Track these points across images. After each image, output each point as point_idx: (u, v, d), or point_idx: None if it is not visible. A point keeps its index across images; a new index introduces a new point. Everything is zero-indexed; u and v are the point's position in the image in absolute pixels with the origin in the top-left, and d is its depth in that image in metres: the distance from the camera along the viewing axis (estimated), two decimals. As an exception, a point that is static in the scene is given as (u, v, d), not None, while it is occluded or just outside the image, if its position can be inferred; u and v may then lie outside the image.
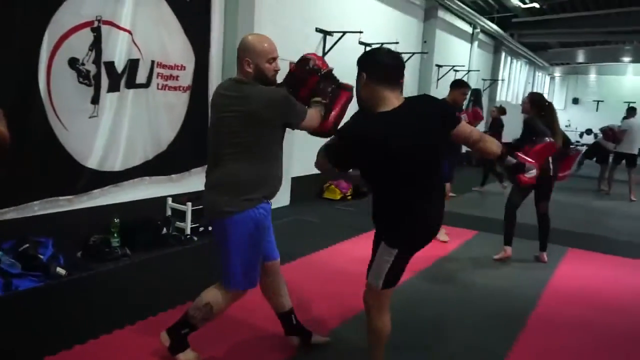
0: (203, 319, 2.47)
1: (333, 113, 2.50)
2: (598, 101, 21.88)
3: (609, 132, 9.33)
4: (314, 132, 2.53)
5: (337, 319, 3.20)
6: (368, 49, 7.97)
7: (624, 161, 9.06)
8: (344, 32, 7.00)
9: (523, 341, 3.06)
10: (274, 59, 2.34)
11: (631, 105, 9.87)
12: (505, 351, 2.91)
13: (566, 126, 21.53)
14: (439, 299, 3.70)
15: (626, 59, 20.08)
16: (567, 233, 5.96)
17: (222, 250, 2.40)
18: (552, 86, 23.68)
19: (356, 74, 2.11)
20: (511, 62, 16.84)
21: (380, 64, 2.03)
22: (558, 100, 21.92)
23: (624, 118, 9.25)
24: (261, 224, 2.36)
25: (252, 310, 3.06)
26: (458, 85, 5.12)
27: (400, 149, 2.01)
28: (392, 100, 2.03)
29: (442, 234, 5.21)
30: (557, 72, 23.64)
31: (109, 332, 2.81)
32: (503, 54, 15.28)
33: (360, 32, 7.19)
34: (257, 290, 2.59)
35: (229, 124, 2.31)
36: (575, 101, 22.70)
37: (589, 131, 21.30)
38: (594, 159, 9.89)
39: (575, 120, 21.39)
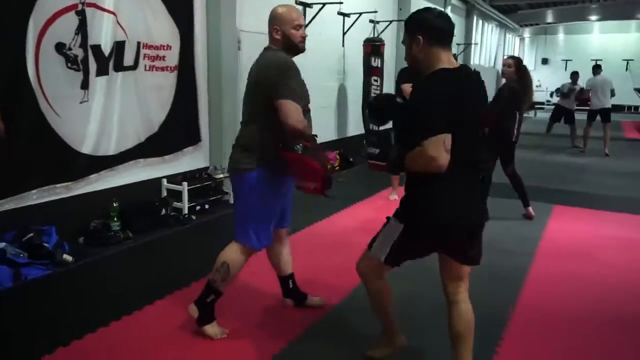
0: (223, 279, 2.59)
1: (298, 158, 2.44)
2: (567, 60, 22.26)
3: (569, 93, 9.71)
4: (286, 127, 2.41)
5: (347, 287, 3.32)
6: (347, 19, 7.97)
7: (598, 117, 9.40)
8: (324, 4, 6.96)
9: (524, 299, 3.23)
10: (300, 25, 2.51)
11: (597, 62, 10.19)
12: (509, 310, 3.07)
13: (537, 86, 21.93)
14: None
15: (593, 17, 20.40)
16: (550, 191, 6.21)
17: (236, 205, 2.61)
18: (522, 47, 23.97)
19: (405, 37, 2.02)
20: (483, 26, 16.95)
21: (437, 26, 1.95)
22: (528, 61, 22.18)
23: (594, 75, 9.59)
24: (275, 185, 2.52)
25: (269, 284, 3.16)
26: None
27: (470, 109, 1.94)
28: (451, 61, 1.98)
29: (394, 194, 5.58)
30: (527, 33, 23.89)
31: (129, 314, 2.89)
32: (475, 18, 15.37)
33: (341, 2, 7.16)
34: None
35: (249, 88, 2.53)
36: (545, 61, 23.07)
37: (558, 90, 21.77)
38: (562, 120, 10.20)
39: (545, 80, 21.79)
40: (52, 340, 2.59)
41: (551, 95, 21.37)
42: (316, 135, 2.55)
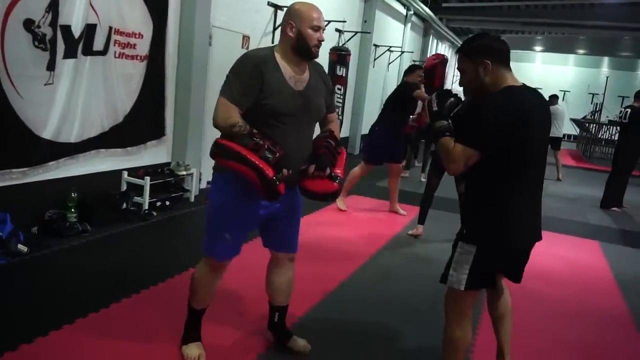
0: (191, 295, 2.40)
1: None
2: (510, 86, 23.48)
3: None
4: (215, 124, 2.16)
5: (313, 300, 3.32)
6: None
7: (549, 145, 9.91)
8: (296, 8, 6.96)
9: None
10: (319, 27, 2.18)
11: (553, 93, 10.82)
12: (477, 318, 3.19)
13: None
14: (403, 275, 3.95)
15: (537, 48, 21.64)
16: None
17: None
18: (470, 70, 24.97)
19: (466, 64, 2.04)
20: (437, 45, 17.53)
21: (500, 49, 2.03)
22: (475, 83, 23.21)
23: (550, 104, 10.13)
24: (245, 192, 2.14)
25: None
26: (413, 69, 5.58)
27: (538, 127, 1.99)
28: (516, 80, 2.03)
29: (400, 209, 5.73)
30: (476, 57, 24.97)
31: (85, 316, 2.69)
32: (431, 37, 15.88)
33: (312, 8, 7.18)
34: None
35: None
36: (491, 85, 24.18)
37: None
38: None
39: (489, 103, 22.81)
40: (10, 336, 2.41)
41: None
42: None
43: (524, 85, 2.04)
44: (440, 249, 4.55)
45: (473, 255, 2.01)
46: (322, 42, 2.22)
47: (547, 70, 23.27)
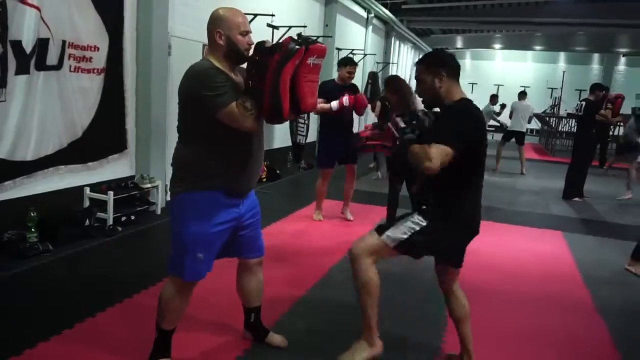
0: (160, 315, 2.38)
1: (268, 94, 2.11)
2: (473, 83, 23.92)
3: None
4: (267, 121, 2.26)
5: (285, 304, 3.31)
6: (277, 32, 8.01)
7: (513, 139, 10.18)
8: (255, 15, 6.95)
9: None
10: (247, 32, 2.22)
11: (523, 89, 11.24)
12: (443, 315, 3.23)
13: (446, 107, 23.35)
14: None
15: (497, 45, 22.15)
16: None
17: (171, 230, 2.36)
18: (433, 69, 25.38)
19: (423, 74, 2.35)
20: (399, 46, 17.77)
21: (454, 63, 2.37)
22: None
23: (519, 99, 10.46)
24: (206, 211, 2.22)
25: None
26: (344, 63, 5.30)
27: (484, 128, 2.42)
28: (463, 92, 2.38)
29: (348, 213, 5.56)
30: (437, 57, 25.40)
31: (46, 340, 2.60)
32: (393, 39, 16.08)
33: (272, 15, 7.19)
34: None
35: (179, 105, 2.28)
36: (453, 84, 24.63)
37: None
38: None
39: (453, 102, 23.25)
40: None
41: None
42: None
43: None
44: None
45: (420, 227, 2.34)
46: (251, 45, 2.22)
47: (507, 67, 23.85)
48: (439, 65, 2.33)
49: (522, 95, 10.58)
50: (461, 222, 2.39)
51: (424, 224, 2.34)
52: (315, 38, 2.42)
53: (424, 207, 2.39)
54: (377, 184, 7.72)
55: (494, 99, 11.14)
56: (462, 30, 19.68)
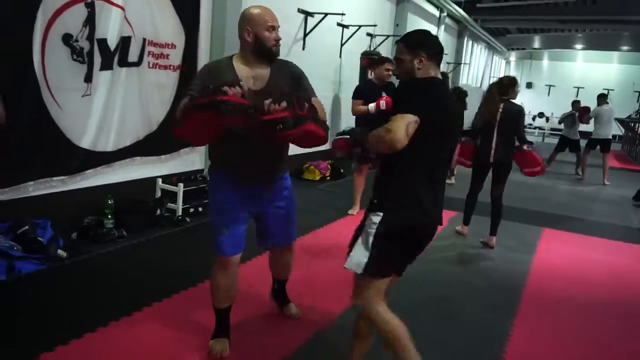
0: (212, 294, 2.54)
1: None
2: (550, 85, 22.82)
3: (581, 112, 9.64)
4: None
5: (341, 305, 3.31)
6: (346, 31, 8.03)
7: (598, 147, 9.41)
8: (326, 14, 7.01)
9: (522, 316, 3.31)
10: (273, 27, 2.29)
11: (601, 92, 10.19)
12: (509, 326, 3.14)
13: (520, 110, 22.41)
14: (434, 279, 3.90)
15: (578, 46, 20.99)
16: (543, 214, 6.31)
17: None
18: (507, 70, 24.46)
19: (404, 54, 2.18)
20: (472, 46, 17.27)
21: (436, 46, 2.21)
22: (513, 84, 22.69)
23: (599, 104, 9.58)
24: (222, 186, 2.42)
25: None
26: (380, 61, 5.18)
27: (453, 119, 2.21)
28: (439, 76, 2.23)
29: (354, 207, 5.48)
30: (513, 57, 24.44)
31: (117, 319, 2.78)
32: (465, 38, 15.65)
33: (343, 14, 7.22)
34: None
35: None
36: (529, 85, 23.58)
37: (541, 114, 22.28)
38: (566, 149, 10.15)
39: (528, 104, 22.26)
40: (48, 338, 2.52)
41: (533, 119, 21.88)
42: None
43: (444, 81, 2.28)
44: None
45: (376, 231, 2.09)
46: (280, 41, 2.33)
47: (589, 69, 22.52)
48: (419, 46, 2.17)
49: (602, 98, 9.62)
50: (413, 213, 2.10)
51: (376, 226, 2.07)
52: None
53: (374, 202, 2.15)
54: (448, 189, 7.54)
55: (576, 104, 10.12)
56: (541, 30, 18.81)
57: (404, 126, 1.95)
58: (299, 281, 3.28)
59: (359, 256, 2.10)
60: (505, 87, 4.56)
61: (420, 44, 2.18)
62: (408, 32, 2.34)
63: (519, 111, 4.64)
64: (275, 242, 2.71)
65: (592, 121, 9.52)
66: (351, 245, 2.18)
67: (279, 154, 2.50)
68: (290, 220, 2.68)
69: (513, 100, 4.64)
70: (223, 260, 2.48)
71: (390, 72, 5.04)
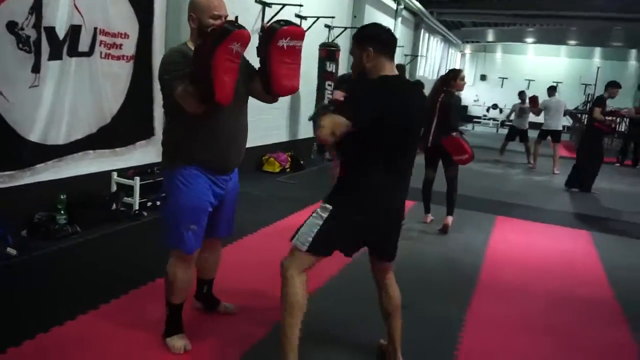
0: (167, 289, 2.49)
1: (216, 78, 2.08)
2: (503, 78, 23.46)
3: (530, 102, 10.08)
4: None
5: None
6: (304, 22, 7.99)
7: (549, 137, 9.77)
8: (284, 5, 6.95)
9: (476, 305, 3.38)
10: (219, 15, 2.24)
11: (551, 85, 10.54)
12: (463, 316, 3.19)
13: (474, 101, 23.02)
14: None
15: (529, 39, 21.66)
16: (496, 203, 6.52)
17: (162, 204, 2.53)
18: (462, 63, 24.98)
19: (355, 48, 2.21)
20: (429, 39, 17.53)
21: (384, 39, 2.21)
22: (468, 76, 23.15)
23: (548, 96, 9.91)
24: (193, 184, 2.34)
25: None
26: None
27: (407, 115, 2.17)
28: (393, 70, 2.23)
29: None
30: (468, 50, 24.97)
31: (73, 318, 2.69)
32: (422, 31, 15.87)
33: (301, 5, 7.18)
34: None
35: None
36: (483, 77, 24.17)
37: (494, 106, 22.90)
38: (517, 139, 10.66)
39: (482, 96, 22.88)
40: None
41: (487, 110, 22.49)
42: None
43: (398, 76, 2.27)
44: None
45: (326, 216, 2.17)
46: None
47: (539, 62, 23.27)
48: (366, 40, 2.18)
49: (552, 90, 9.94)
50: (367, 204, 2.18)
51: (328, 212, 2.16)
52: (283, 22, 2.31)
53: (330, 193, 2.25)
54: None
55: (522, 95, 10.80)
56: (494, 24, 19.29)
57: (332, 126, 2.00)
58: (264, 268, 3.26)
59: (305, 235, 2.17)
60: (447, 78, 4.97)
61: (367, 38, 2.20)
62: (361, 26, 2.35)
63: (453, 101, 4.94)
64: (219, 232, 2.64)
65: (542, 112, 9.88)
66: (301, 225, 2.23)
67: (246, 137, 2.52)
68: (234, 209, 2.68)
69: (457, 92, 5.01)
70: (185, 256, 2.44)
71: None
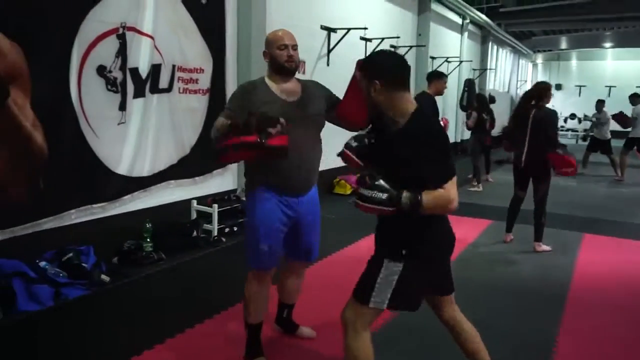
0: (244, 309, 2.58)
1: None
2: (580, 86, 22.32)
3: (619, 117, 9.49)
4: None
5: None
6: (369, 44, 8.07)
7: (635, 147, 9.17)
8: (348, 29, 7.07)
9: (567, 323, 3.22)
10: (286, 45, 2.41)
11: (634, 92, 9.88)
12: (554, 334, 3.05)
13: (551, 112, 21.98)
14: (474, 286, 3.83)
15: (607, 44, 20.52)
16: (582, 219, 6.16)
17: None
18: (534, 73, 24.08)
19: (362, 79, 2.02)
20: (497, 51, 17.08)
21: (395, 70, 1.97)
22: (541, 86, 22.28)
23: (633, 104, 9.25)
24: (266, 205, 2.43)
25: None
26: (437, 75, 5.30)
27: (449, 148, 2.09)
28: (413, 102, 2.01)
29: None
30: (539, 59, 24.04)
31: (161, 342, 2.83)
32: (490, 44, 15.51)
33: (365, 28, 7.27)
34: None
35: None
36: (559, 87, 23.10)
37: (572, 116, 21.77)
38: (598, 151, 10.02)
39: (558, 106, 21.83)
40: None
41: (565, 120, 21.40)
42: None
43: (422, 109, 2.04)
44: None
45: (399, 272, 1.99)
46: (299, 58, 2.48)
47: (619, 67, 21.92)
48: (373, 73, 1.96)
49: (636, 97, 9.25)
50: (436, 244, 2.05)
51: (400, 267, 1.97)
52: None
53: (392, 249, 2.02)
54: (474, 195, 7.48)
55: (600, 104, 10.15)
56: (567, 30, 18.50)
57: (455, 189, 1.91)
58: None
59: (382, 296, 1.99)
60: (538, 92, 4.63)
61: (374, 71, 1.97)
62: (370, 54, 2.21)
63: (546, 115, 4.62)
64: (299, 257, 2.71)
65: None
66: (368, 284, 2.03)
67: (316, 162, 2.58)
68: (317, 233, 2.70)
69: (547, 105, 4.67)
70: (259, 275, 2.53)
71: (445, 86, 5.28)
